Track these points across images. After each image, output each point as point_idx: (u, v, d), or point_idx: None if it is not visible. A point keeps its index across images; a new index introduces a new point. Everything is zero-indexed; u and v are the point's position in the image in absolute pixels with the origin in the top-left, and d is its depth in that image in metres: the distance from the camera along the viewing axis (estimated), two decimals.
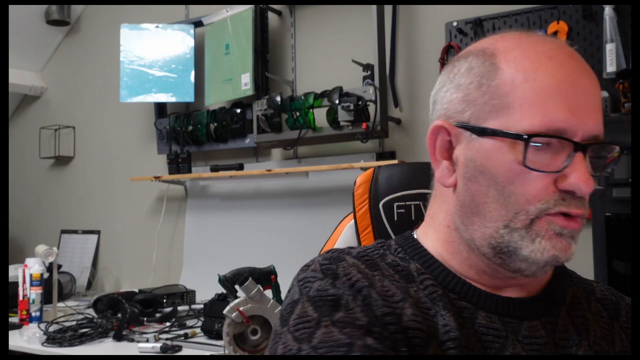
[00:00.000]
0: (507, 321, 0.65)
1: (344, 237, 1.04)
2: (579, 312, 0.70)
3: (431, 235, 0.72)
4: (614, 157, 0.67)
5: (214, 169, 2.84)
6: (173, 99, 3.01)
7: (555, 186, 0.63)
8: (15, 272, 2.62)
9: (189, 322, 2.37)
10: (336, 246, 1.03)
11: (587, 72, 0.65)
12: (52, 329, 2.24)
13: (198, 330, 2.24)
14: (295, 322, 0.60)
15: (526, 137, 0.62)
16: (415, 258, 0.70)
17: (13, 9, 3.18)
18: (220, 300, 2.17)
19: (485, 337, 0.64)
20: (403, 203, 0.96)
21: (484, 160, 0.65)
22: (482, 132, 0.65)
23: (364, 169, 2.20)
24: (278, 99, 2.53)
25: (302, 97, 2.51)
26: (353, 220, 0.99)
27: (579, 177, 0.61)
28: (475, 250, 0.66)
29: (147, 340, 2.10)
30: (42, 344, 2.13)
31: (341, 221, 1.07)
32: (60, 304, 2.74)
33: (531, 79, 0.63)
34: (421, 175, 0.89)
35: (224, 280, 1.99)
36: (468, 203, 0.66)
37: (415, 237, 0.74)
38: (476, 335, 0.64)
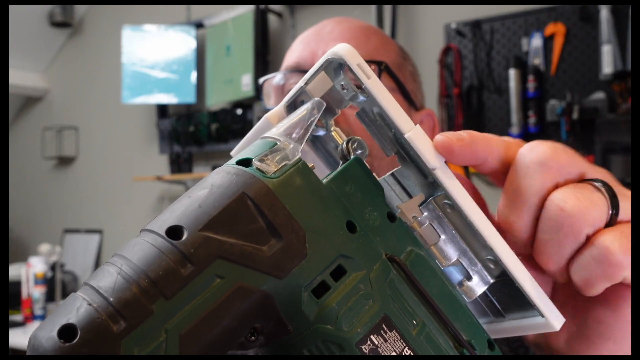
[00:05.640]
0: None
1: None
2: None
3: None
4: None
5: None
6: (174, 100, 3.04)
7: None
8: (18, 271, 2.65)
9: None
10: None
11: (339, 20, 0.71)
12: None
13: None
14: None
15: (260, 82, 0.71)
16: None
17: (17, 11, 3.21)
18: None
19: None
20: None
21: None
22: None
23: None
24: None
25: None
26: None
27: None
28: None
29: None
30: None
31: None
32: None
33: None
34: None
35: None
36: None
37: None
38: None
